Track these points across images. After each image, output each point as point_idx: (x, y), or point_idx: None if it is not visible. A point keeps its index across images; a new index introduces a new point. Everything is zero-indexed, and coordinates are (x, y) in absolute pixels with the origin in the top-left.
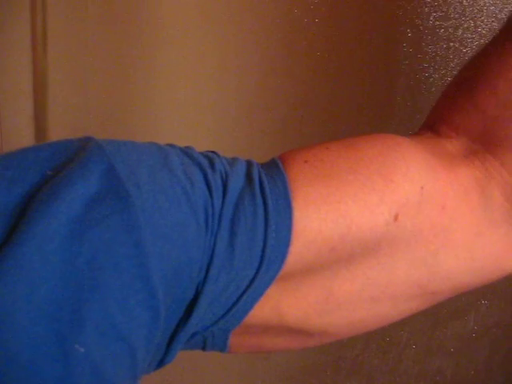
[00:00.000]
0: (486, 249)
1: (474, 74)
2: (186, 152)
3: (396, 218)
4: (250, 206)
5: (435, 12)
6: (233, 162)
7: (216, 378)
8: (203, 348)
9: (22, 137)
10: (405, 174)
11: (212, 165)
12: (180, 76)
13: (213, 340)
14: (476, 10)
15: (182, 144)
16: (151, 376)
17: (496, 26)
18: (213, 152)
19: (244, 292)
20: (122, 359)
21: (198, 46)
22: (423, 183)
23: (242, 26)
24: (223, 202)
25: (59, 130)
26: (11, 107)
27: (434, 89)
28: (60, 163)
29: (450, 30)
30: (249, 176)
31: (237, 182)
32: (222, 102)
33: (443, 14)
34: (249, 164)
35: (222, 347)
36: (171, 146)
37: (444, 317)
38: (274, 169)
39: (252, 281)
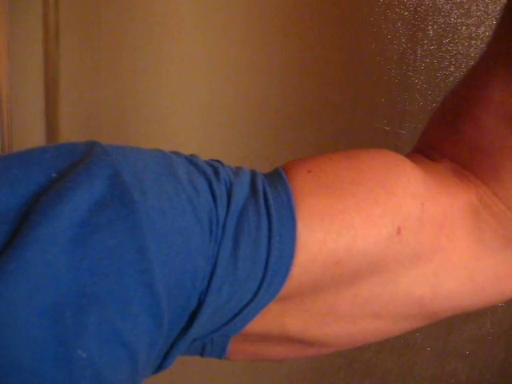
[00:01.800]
0: (485, 272)
1: (457, 105)
2: (191, 160)
3: (399, 231)
4: (254, 216)
5: (457, 9)
6: (237, 171)
7: (227, 380)
8: (201, 354)
9: (33, 132)
10: (406, 188)
11: (217, 174)
12: (191, 72)
13: (212, 346)
14: (499, 8)
15: (190, 143)
16: (160, 377)
17: None
18: (217, 161)
19: (247, 304)
20: (124, 365)
21: (207, 46)
22: (423, 200)
23: (250, 27)
24: (227, 212)
25: (70, 126)
26: (22, 102)
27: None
28: (65, 166)
29: (471, 27)
30: (253, 186)
31: (241, 191)
32: (231, 104)
33: (465, 11)
34: (253, 174)
35: (221, 354)
36: (176, 153)
37: (460, 319)
38: (278, 179)
39: (255, 294)
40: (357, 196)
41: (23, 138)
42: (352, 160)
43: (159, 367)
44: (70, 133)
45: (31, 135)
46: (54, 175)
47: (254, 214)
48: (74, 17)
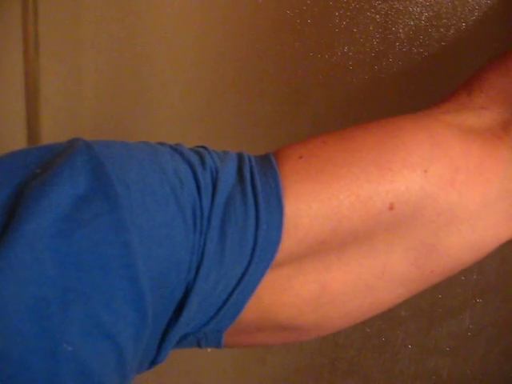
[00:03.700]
0: (488, 219)
1: None
2: (176, 149)
3: (391, 206)
4: (241, 205)
5: (427, 12)
6: (224, 156)
7: (211, 381)
8: (198, 346)
9: (15, 140)
10: (404, 160)
11: (202, 162)
12: (175, 78)
13: (206, 340)
14: (467, 10)
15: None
16: (145, 378)
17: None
18: (203, 147)
19: (233, 290)
20: (110, 358)
21: (192, 47)
22: (427, 166)
23: (235, 27)
24: (212, 202)
25: (52, 134)
26: (3, 111)
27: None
28: (47, 161)
29: (441, 29)
30: (240, 173)
31: (227, 180)
32: (217, 106)
33: (435, 13)
34: (240, 159)
35: (217, 345)
36: (161, 143)
37: (439, 316)
38: (268, 165)
39: (241, 279)
40: (347, 178)
41: (5, 147)
42: (346, 140)
43: (153, 361)
44: (52, 141)
45: (13, 145)
46: (37, 171)
47: (241, 203)
48: (53, 25)
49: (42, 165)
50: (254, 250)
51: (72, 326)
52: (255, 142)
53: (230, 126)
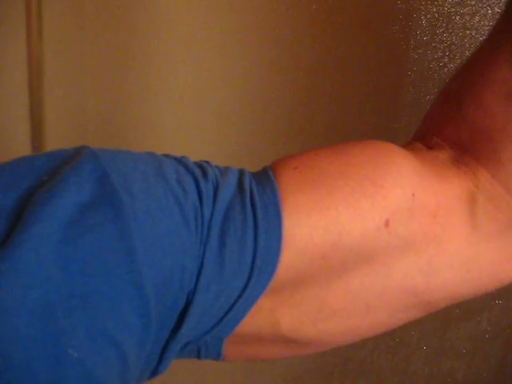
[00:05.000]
0: (480, 260)
1: (460, 86)
2: (181, 161)
3: (387, 223)
4: (240, 215)
5: None
6: (225, 171)
7: (221, 380)
8: (198, 357)
9: (18, 129)
10: (396, 179)
11: (205, 174)
12: (180, 69)
13: (206, 349)
14: None
15: (181, 145)
16: (151, 380)
17: None
18: (206, 162)
19: (235, 302)
20: (114, 365)
21: (200, 42)
22: (414, 190)
23: (242, 22)
24: (213, 211)
25: (56, 122)
26: (6, 99)
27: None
28: (54, 168)
29: (466, 17)
30: (240, 185)
31: (227, 191)
32: (223, 104)
33: (459, 0)
34: (241, 173)
35: (217, 356)
36: (166, 155)
37: (456, 317)
38: (265, 177)
39: (243, 291)
40: (344, 190)
41: (9, 136)
42: (339, 155)
43: (154, 372)
44: (56, 131)
45: (17, 134)
46: (44, 178)
47: (240, 212)
48: (57, 11)
49: (49, 172)
50: (253, 261)
51: (77, 331)
52: (268, 142)
53: (243, 126)
